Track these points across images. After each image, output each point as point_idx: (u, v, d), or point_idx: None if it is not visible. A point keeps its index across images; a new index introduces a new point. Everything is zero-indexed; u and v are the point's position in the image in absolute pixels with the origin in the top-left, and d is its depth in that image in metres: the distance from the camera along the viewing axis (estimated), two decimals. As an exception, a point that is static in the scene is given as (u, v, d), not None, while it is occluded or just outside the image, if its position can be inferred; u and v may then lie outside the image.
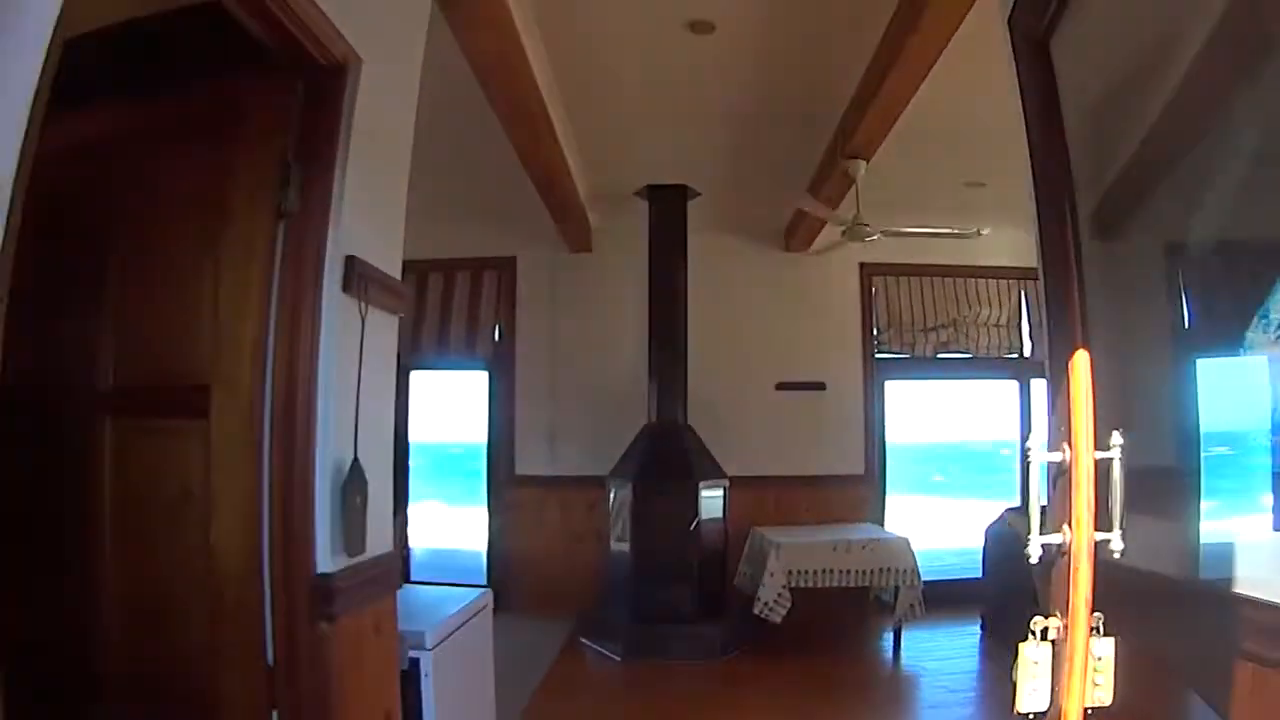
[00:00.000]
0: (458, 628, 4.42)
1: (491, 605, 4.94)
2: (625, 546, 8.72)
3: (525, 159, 7.16)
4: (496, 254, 10.45)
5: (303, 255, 3.13)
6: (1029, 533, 2.42)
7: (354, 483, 3.20)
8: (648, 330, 9.32)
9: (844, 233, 7.85)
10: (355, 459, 3.23)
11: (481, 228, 10.31)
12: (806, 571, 8.35)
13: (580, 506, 9.96)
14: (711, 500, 8.82)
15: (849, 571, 8.44)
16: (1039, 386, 10.56)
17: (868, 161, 7.32)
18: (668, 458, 8.83)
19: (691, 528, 8.51)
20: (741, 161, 8.54)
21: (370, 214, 3.48)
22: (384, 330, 3.64)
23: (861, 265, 10.54)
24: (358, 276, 3.25)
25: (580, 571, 9.68)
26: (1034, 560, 2.45)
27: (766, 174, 8.84)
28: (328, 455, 3.12)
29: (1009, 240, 10.20)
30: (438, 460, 18.69)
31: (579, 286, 10.39)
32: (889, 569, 8.49)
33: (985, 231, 8.03)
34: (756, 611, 8.22)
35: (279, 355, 3.09)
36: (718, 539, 8.88)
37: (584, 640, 8.65)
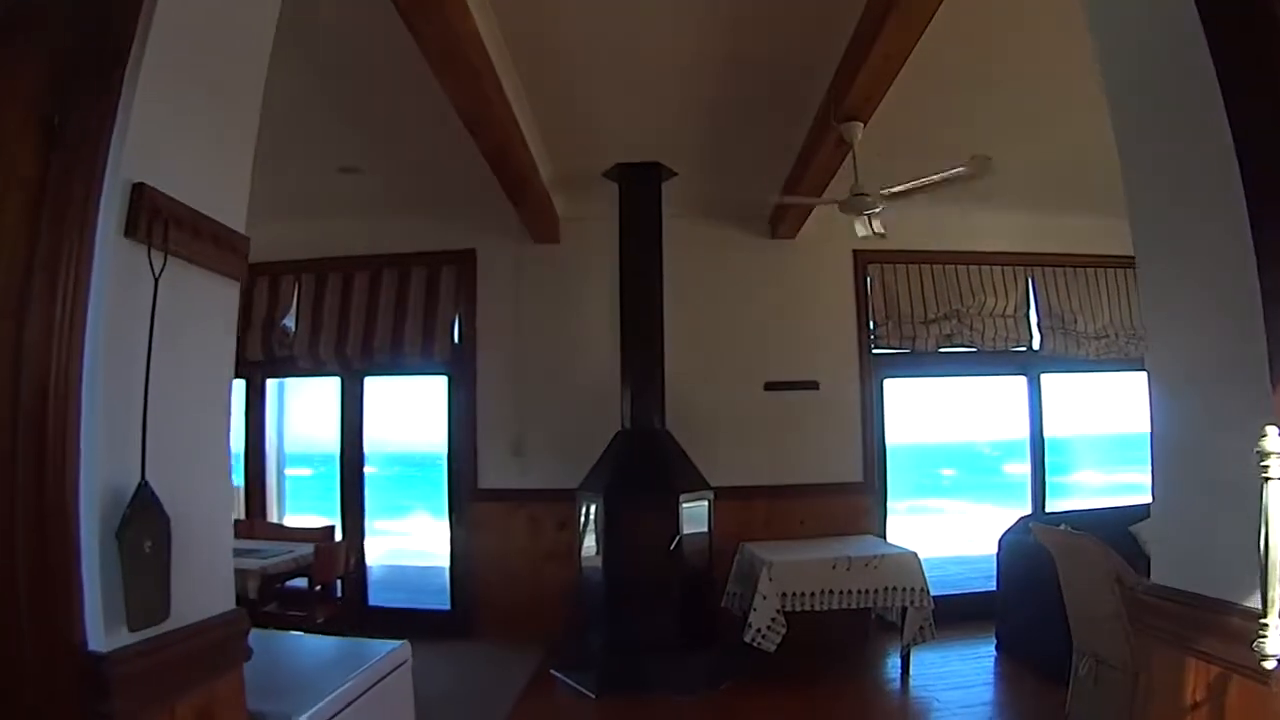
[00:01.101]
0: (356, 697, 3.26)
1: (410, 660, 3.80)
2: (598, 567, 7.74)
3: (472, 125, 6.21)
4: (455, 247, 9.50)
5: (69, 184, 2.11)
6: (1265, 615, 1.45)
7: (139, 518, 2.09)
8: (619, 327, 8.37)
9: (842, 206, 6.79)
10: (143, 483, 2.12)
11: (438, 218, 9.45)
12: (802, 594, 7.46)
13: (550, 522, 9.03)
14: (694, 514, 7.87)
15: (850, 592, 7.56)
16: (1050, 382, 9.98)
17: (865, 124, 6.42)
18: (644, 468, 7.89)
19: (672, 546, 7.53)
20: (721, 136, 7.62)
21: (184, 134, 2.43)
22: (205, 297, 2.56)
23: (855, 253, 9.59)
24: (149, 214, 2.19)
25: (551, 594, 8.76)
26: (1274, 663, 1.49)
27: (750, 150, 7.92)
28: (95, 477, 2.05)
29: (1014, 224, 9.79)
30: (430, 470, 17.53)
31: (545, 281, 9.43)
32: (895, 588, 7.62)
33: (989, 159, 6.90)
34: (747, 639, 7.31)
35: (32, 328, 2.04)
36: (702, 557, 7.91)
37: (554, 672, 7.71)
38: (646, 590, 7.61)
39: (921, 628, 7.65)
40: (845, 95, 6.03)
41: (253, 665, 2.65)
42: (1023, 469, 10.40)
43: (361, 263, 9.49)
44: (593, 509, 7.86)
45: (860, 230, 7.07)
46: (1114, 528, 7.48)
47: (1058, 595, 6.31)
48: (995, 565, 8.53)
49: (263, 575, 7.18)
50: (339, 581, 8.05)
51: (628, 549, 7.64)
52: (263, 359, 9.58)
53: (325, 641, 4.54)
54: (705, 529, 7.97)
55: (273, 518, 12.78)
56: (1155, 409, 2.67)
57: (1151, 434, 2.66)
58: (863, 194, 6.60)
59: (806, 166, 7.41)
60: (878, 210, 6.71)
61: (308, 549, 7.70)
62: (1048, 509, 9.90)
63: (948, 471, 25.88)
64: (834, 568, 7.55)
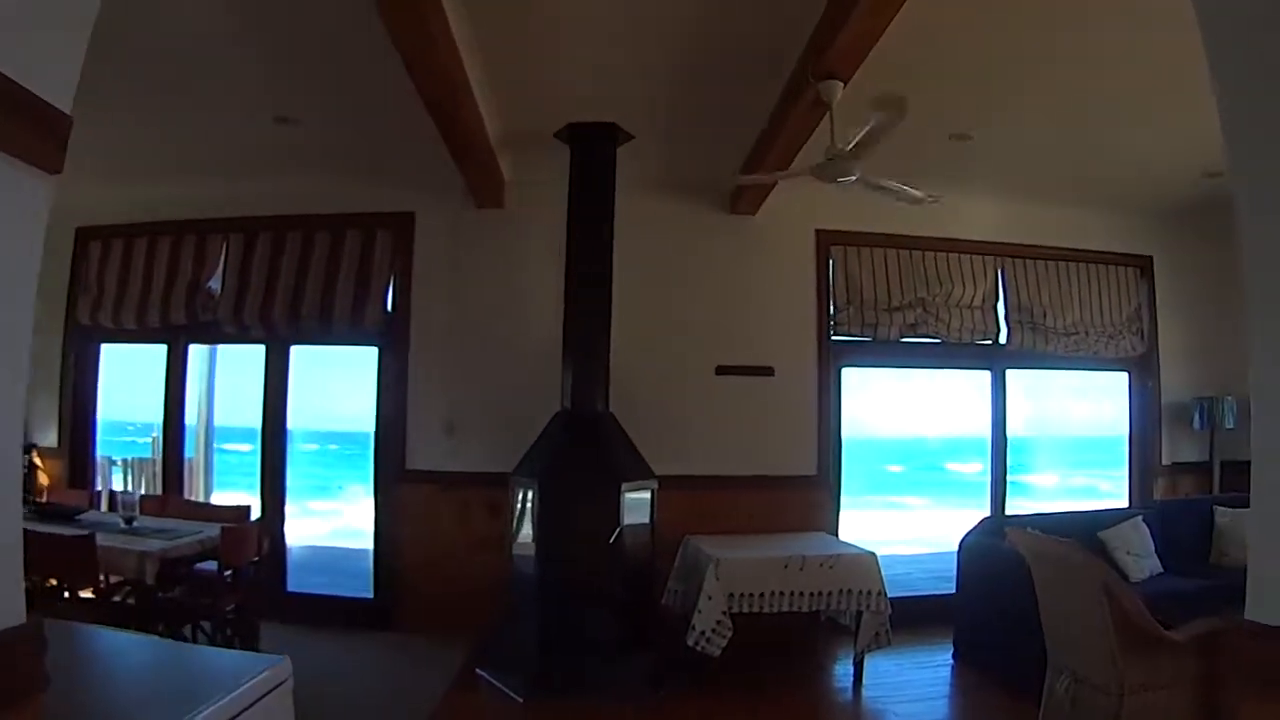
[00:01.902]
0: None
1: (290, 680, 2.99)
2: (531, 559, 7.03)
3: (412, 67, 5.54)
4: (392, 209, 8.76)
5: None
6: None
7: None
8: (564, 300, 7.66)
9: (816, 171, 6.09)
10: None
11: (377, 178, 8.70)
12: (751, 594, 6.91)
13: (481, 508, 8.32)
14: (637, 504, 7.19)
15: (803, 593, 7.03)
16: (1016, 378, 9.59)
17: (845, 83, 5.77)
18: (584, 452, 7.19)
19: (612, 539, 6.86)
20: (684, 101, 7.01)
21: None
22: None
23: (818, 233, 9.03)
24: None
25: (481, 585, 7.99)
26: None
27: (714, 118, 7.29)
28: None
29: (986, 211, 9.34)
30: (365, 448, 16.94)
31: (487, 248, 8.69)
32: (851, 590, 7.11)
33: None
34: (690, 642, 6.75)
35: None
36: (644, 551, 7.24)
37: (480, 671, 7.05)
38: (582, 585, 6.95)
39: (877, 633, 7.18)
40: (826, 49, 5.43)
41: (73, 692, 1.99)
42: (969, 467, 9.98)
43: (295, 223, 8.79)
44: (527, 496, 7.18)
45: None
46: (1081, 533, 7.01)
47: (1026, 604, 5.90)
48: (955, 567, 8.00)
49: (162, 558, 6.42)
50: (252, 566, 7.30)
51: (563, 540, 6.96)
52: (186, 323, 8.84)
53: (187, 653, 3.74)
54: (648, 521, 7.32)
55: (198, 495, 12.24)
56: (1260, 428, 2.14)
57: (1254, 454, 2.18)
58: (843, 155, 5.89)
59: (777, 132, 6.76)
60: (854, 178, 6.02)
61: (217, 530, 6.94)
62: (1007, 510, 9.46)
63: (894, 468, 25.45)
64: (786, 567, 6.99)
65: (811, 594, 6.99)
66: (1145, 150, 7.93)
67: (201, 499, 12.13)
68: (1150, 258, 9.99)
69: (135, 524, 7.05)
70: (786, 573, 6.95)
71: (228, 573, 6.88)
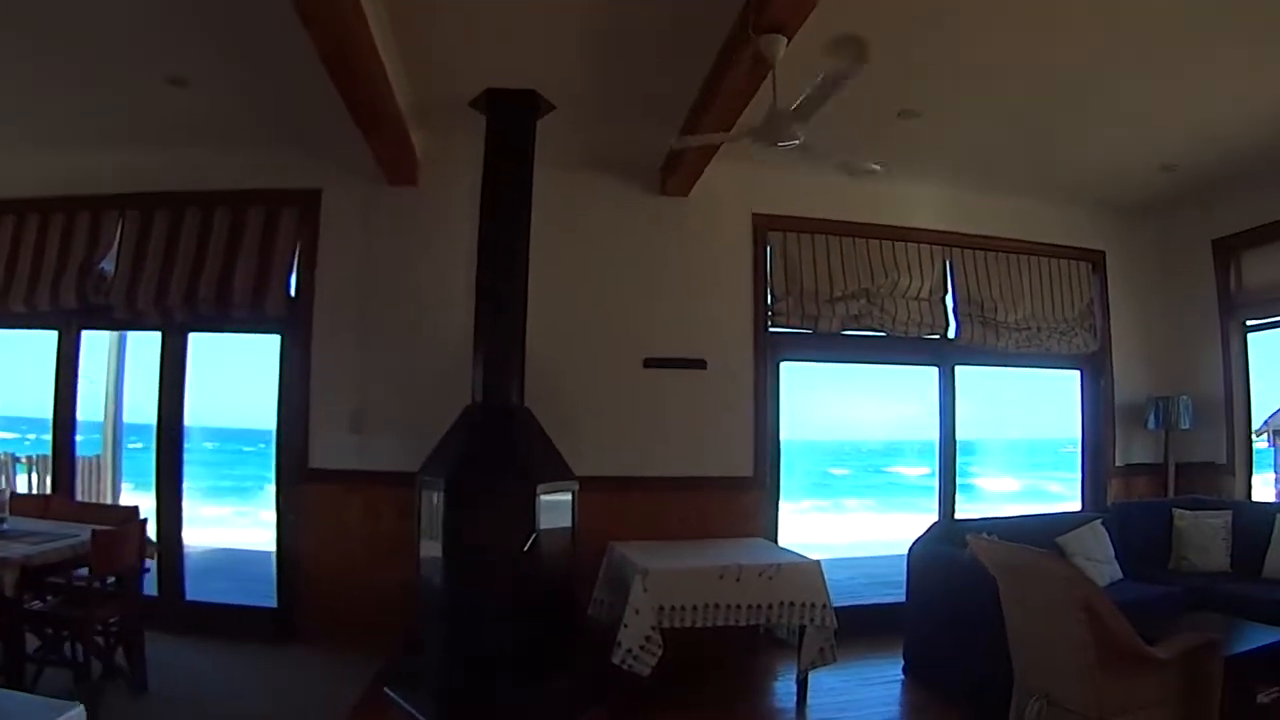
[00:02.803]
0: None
1: None
2: (437, 569, 6.24)
3: (307, 16, 4.90)
4: (298, 185, 7.96)
5: None
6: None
7: None
8: (475, 285, 6.88)
9: (757, 133, 5.35)
10: None
11: (281, 151, 7.92)
12: (683, 607, 6.17)
13: (390, 511, 7.48)
14: (555, 507, 6.41)
15: (741, 606, 6.32)
16: (966, 375, 8.97)
17: (789, 40, 5.09)
18: (496, 451, 6.40)
19: (526, 547, 6.06)
20: (611, 64, 6.33)
21: None
22: None
23: (755, 217, 8.37)
24: None
25: (390, 594, 7.15)
26: None
27: (645, 81, 6.58)
28: None
29: (934, 198, 8.87)
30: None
31: (399, 229, 7.91)
32: (793, 603, 6.43)
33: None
34: (617, 660, 5.98)
35: None
36: (564, 559, 6.50)
37: (388, 691, 6.26)
38: (496, 598, 6.16)
39: (822, 649, 6.49)
40: (766, 3, 4.82)
41: None
42: (912, 470, 9.40)
43: (194, 199, 7.95)
44: (431, 498, 6.37)
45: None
46: (1039, 538, 6.64)
47: (985, 617, 5.46)
48: (905, 576, 7.35)
49: (24, 565, 5.57)
50: (137, 573, 6.45)
51: (473, 548, 6.19)
52: (77, 307, 7.96)
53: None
54: (569, 526, 6.57)
55: (104, 496, 11.51)
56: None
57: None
58: (787, 118, 5.14)
59: (713, 96, 6.09)
60: (797, 141, 5.27)
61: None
62: (956, 514, 8.86)
63: (839, 471, 24.89)
64: (721, 577, 6.26)
65: (750, 607, 6.28)
66: (1102, 138, 7.54)
67: (109, 500, 11.42)
68: (1103, 252, 9.53)
69: (4, 526, 6.23)
70: (722, 584, 6.23)
71: (110, 581, 6.11)
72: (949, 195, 8.83)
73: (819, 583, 6.45)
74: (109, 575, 6.06)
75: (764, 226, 8.35)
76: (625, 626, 5.97)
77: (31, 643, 5.84)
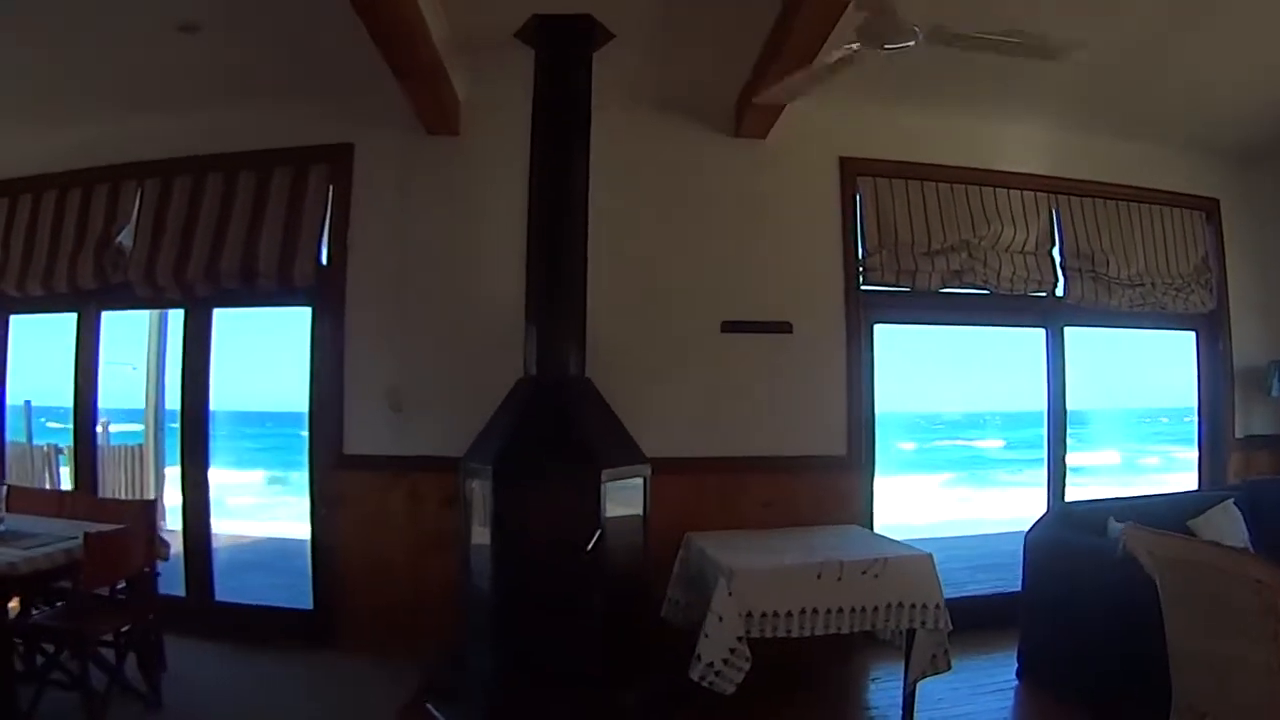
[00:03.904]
0: None
1: None
2: (486, 568, 5.28)
3: None
4: (327, 140, 6.98)
5: None
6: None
7: None
8: (526, 244, 5.94)
9: (861, 32, 4.25)
10: None
11: (307, 103, 6.93)
12: (776, 614, 5.12)
13: (434, 501, 6.50)
14: (624, 496, 5.45)
15: (843, 611, 5.26)
16: (1076, 337, 7.95)
17: None
18: (552, 431, 5.40)
19: (591, 545, 5.06)
20: None
21: None
22: None
23: (843, 161, 7.27)
24: None
25: (435, 593, 6.25)
26: None
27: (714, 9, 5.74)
28: None
29: (1035, 138, 7.83)
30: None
31: (440, 184, 6.89)
32: (903, 604, 5.37)
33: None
34: (696, 677, 4.97)
35: None
36: (633, 555, 5.52)
37: (429, 707, 5.36)
38: (554, 602, 5.22)
39: (935, 656, 5.42)
40: None
41: None
42: (989, 443, 8.41)
43: (216, 163, 7.05)
44: (479, 487, 5.41)
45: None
46: (1166, 521, 5.61)
47: (1133, 620, 4.54)
48: (1000, 557, 6.98)
49: (8, 574, 4.79)
50: (154, 578, 5.75)
51: (526, 544, 5.24)
52: (95, 286, 7.15)
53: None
54: (639, 515, 5.61)
55: (146, 489, 11.14)
56: None
57: None
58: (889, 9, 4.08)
59: (795, 13, 5.14)
60: (911, 43, 4.20)
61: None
62: (1066, 495, 7.77)
63: (906, 445, 23.78)
64: (819, 577, 5.20)
65: (853, 610, 5.24)
66: (1232, 65, 6.58)
67: (152, 491, 10.88)
68: (1216, 201, 8.38)
69: (2, 528, 5.46)
70: (820, 584, 5.18)
71: (120, 586, 5.47)
72: (1052, 136, 7.78)
73: (932, 579, 5.42)
74: (100, 587, 5.32)
75: (852, 171, 7.31)
76: (706, 636, 4.97)
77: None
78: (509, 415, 5.47)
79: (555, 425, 5.38)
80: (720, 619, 4.95)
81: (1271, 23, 5.81)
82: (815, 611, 5.13)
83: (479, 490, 5.35)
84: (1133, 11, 5.70)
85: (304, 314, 7.07)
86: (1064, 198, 7.76)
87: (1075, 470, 8.06)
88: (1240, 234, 8.41)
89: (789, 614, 5.08)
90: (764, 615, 5.04)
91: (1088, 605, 5.38)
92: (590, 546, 4.99)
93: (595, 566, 5.12)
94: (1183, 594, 4.04)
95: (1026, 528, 6.38)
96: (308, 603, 6.96)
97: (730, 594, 4.98)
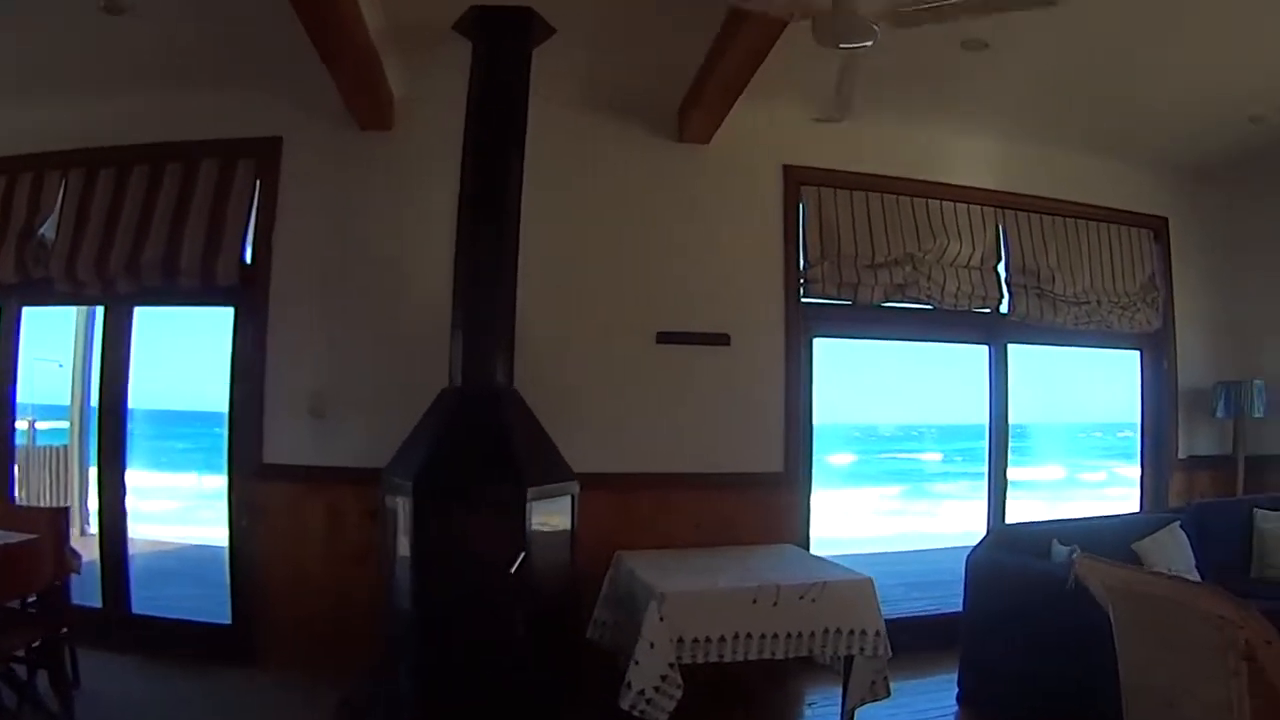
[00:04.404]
0: None
1: None
2: (406, 589, 4.94)
3: None
4: (256, 133, 6.62)
5: None
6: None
7: None
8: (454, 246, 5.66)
9: (817, 28, 3.97)
10: None
11: (237, 93, 6.57)
12: (709, 639, 4.85)
13: (356, 514, 6.16)
14: (551, 513, 5.15)
15: (779, 636, 5.00)
16: (1020, 354, 7.82)
17: None
18: (477, 444, 5.07)
19: (514, 568, 4.73)
20: None
21: None
22: None
23: (786, 169, 7.03)
24: None
25: (358, 609, 5.92)
26: None
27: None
28: None
29: (985, 151, 7.67)
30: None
31: (371, 181, 6.54)
32: (841, 630, 5.12)
33: None
34: (626, 706, 4.68)
35: None
36: (560, 575, 5.23)
37: None
38: (478, 623, 4.91)
39: (874, 682, 5.21)
40: None
41: None
42: (927, 456, 8.26)
43: (141, 154, 6.66)
44: (399, 505, 5.05)
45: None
46: (1111, 544, 5.63)
47: (1075, 645, 4.52)
48: (962, 587, 6.10)
49: None
50: (64, 592, 5.47)
51: (448, 565, 4.88)
52: (16, 281, 6.73)
53: None
54: (566, 534, 5.30)
55: (69, 492, 11.00)
56: None
57: None
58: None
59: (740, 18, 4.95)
60: (868, 44, 3.91)
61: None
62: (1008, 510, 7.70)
63: (838, 458, 23.61)
64: (755, 601, 4.95)
65: (789, 636, 4.98)
66: (1188, 80, 6.43)
67: (75, 496, 10.85)
68: (1165, 219, 8.25)
69: None
70: (756, 609, 4.91)
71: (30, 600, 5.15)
72: (1000, 149, 7.61)
73: (872, 604, 5.18)
74: (5, 602, 4.95)
75: (796, 180, 7.06)
76: (636, 663, 4.68)
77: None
78: (432, 428, 5.14)
79: (479, 439, 5.06)
80: (652, 645, 4.67)
81: (1226, 41, 5.70)
82: (750, 636, 4.87)
83: (400, 506, 5.00)
84: (1085, 28, 5.52)
85: (227, 314, 6.68)
86: (1011, 212, 7.59)
87: (1015, 485, 7.88)
88: (1188, 253, 8.31)
89: (722, 639, 4.82)
90: (696, 640, 4.78)
91: (1033, 631, 5.16)
92: (514, 568, 4.68)
93: (520, 587, 4.79)
94: (1137, 626, 3.79)
95: (965, 543, 6.23)
96: (228, 616, 6.58)
97: (661, 619, 4.70)
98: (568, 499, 5.25)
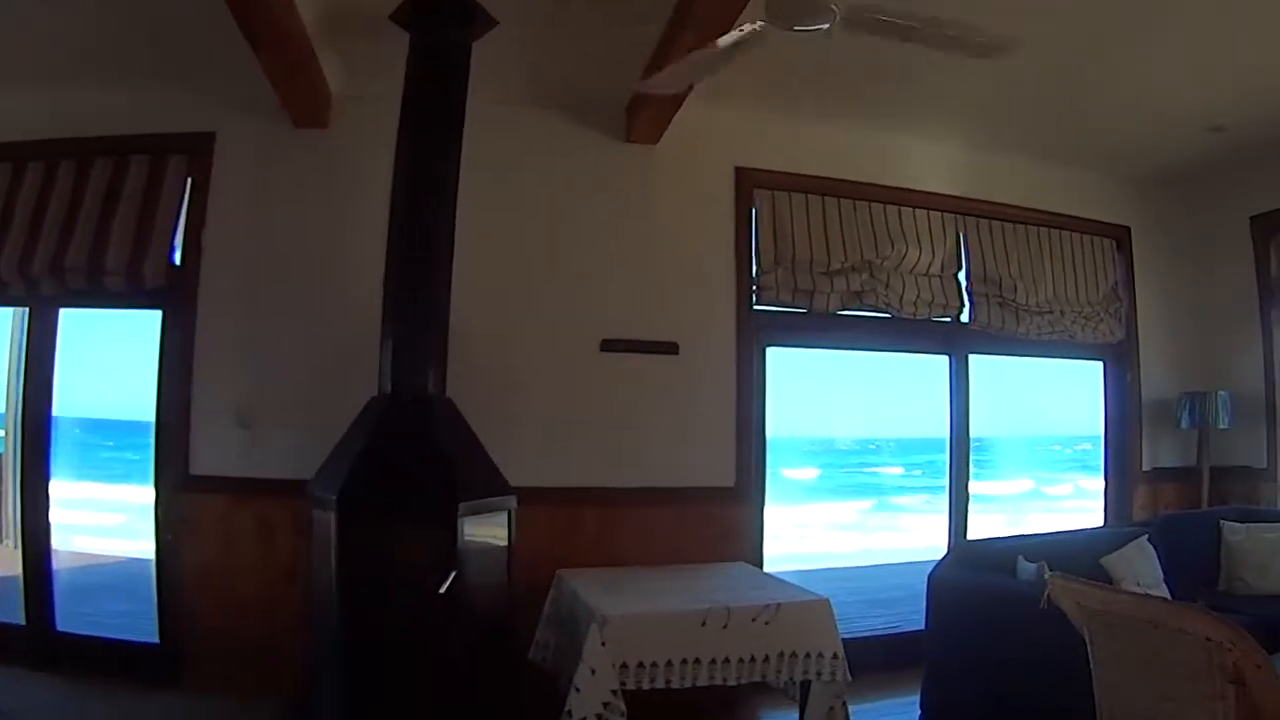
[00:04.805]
0: None
1: None
2: (332, 612, 4.53)
3: None
4: (188, 128, 6.24)
5: None
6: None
7: None
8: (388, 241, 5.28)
9: (768, 9, 3.64)
10: None
11: (169, 88, 6.17)
12: (655, 664, 4.48)
13: (286, 527, 5.73)
14: (486, 529, 4.79)
15: (730, 662, 4.63)
16: (981, 365, 7.52)
17: None
18: (406, 456, 4.68)
19: (443, 588, 4.37)
20: None
21: None
22: None
23: (739, 171, 6.72)
24: None
25: (288, 630, 5.48)
26: None
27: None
28: None
29: (945, 156, 7.39)
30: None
31: (306, 180, 6.19)
32: (796, 654, 4.75)
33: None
34: None
35: None
36: (498, 592, 4.89)
37: None
38: (407, 647, 4.50)
39: (832, 708, 4.85)
40: None
41: None
42: (889, 470, 8.05)
43: (70, 148, 6.28)
44: (323, 520, 4.65)
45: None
46: (1078, 559, 5.32)
47: (1045, 667, 4.27)
48: (924, 605, 5.82)
49: None
50: None
51: (374, 587, 4.49)
52: None
53: None
54: (504, 550, 4.93)
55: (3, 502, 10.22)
56: None
57: None
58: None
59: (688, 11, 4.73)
60: (826, 25, 3.59)
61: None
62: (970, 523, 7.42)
63: (795, 472, 23.31)
64: (704, 624, 4.58)
65: (741, 660, 4.62)
66: (1149, 88, 6.25)
67: (9, 506, 10.04)
68: (1127, 228, 8.06)
69: None
70: (705, 632, 4.55)
71: None
72: (961, 154, 7.34)
73: (829, 626, 4.84)
74: None
75: (749, 183, 6.75)
76: (577, 690, 4.32)
77: None
78: (359, 438, 4.77)
79: (409, 450, 4.69)
80: (593, 671, 4.31)
81: (1186, 53, 5.57)
82: (699, 661, 4.52)
83: (324, 522, 4.61)
84: (1048, 39, 5.32)
85: (154, 317, 6.27)
86: (972, 220, 7.34)
87: (978, 499, 7.63)
88: (1150, 263, 8.12)
89: (669, 664, 4.46)
90: (641, 666, 4.42)
91: (1000, 651, 4.90)
92: (444, 589, 4.32)
93: (452, 608, 4.43)
94: (1116, 648, 3.54)
95: (926, 558, 6.07)
96: (155, 636, 6.18)
97: (603, 643, 4.34)
98: (504, 514, 4.91)
